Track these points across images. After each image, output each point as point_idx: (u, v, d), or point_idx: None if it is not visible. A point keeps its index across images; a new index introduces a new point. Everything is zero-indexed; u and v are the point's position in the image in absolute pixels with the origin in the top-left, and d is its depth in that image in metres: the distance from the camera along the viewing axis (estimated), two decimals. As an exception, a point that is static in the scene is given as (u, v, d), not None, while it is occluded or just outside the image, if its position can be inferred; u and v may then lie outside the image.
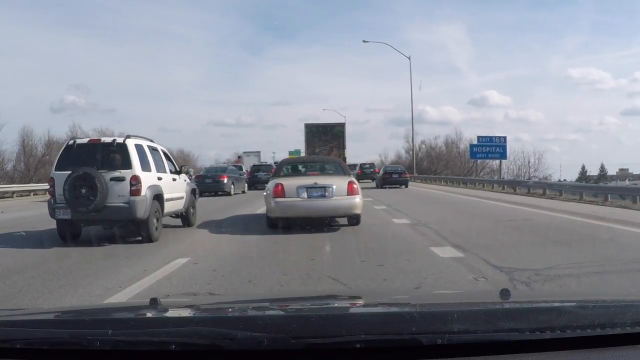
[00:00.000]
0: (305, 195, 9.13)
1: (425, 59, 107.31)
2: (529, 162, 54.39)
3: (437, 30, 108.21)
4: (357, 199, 9.37)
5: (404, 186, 29.20)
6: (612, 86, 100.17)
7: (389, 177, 29.65)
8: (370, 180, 35.50)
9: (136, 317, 1.70)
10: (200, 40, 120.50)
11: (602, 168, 69.03)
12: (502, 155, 36.95)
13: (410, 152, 60.43)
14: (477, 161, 44.22)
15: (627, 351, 1.32)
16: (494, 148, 35.85)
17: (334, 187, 9.22)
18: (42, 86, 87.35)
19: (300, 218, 9.50)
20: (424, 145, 64.45)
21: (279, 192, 9.21)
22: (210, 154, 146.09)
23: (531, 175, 50.09)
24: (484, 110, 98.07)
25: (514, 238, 8.31)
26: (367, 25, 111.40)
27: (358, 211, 9.49)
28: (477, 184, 30.48)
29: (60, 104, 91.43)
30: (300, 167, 11.71)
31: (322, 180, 9.52)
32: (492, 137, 36.91)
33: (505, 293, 1.82)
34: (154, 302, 1.79)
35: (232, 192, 22.95)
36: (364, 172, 38.77)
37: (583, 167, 66.87)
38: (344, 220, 9.96)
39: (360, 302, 2.19)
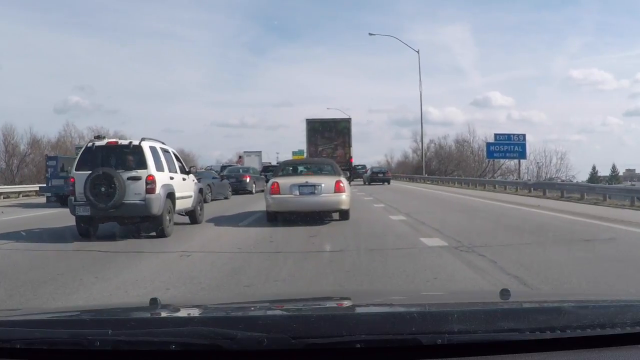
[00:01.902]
0: (297, 192, 10.34)
1: (429, 59, 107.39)
2: (547, 162, 51.06)
3: (441, 31, 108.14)
4: (344, 196, 10.51)
5: (386, 183, 35.78)
6: (615, 87, 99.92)
7: (375, 176, 37.22)
8: (360, 179, 39.50)
9: (136, 317, 1.70)
10: (205, 41, 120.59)
11: (614, 168, 65.08)
12: (522, 154, 34.46)
13: (418, 152, 58.93)
14: (493, 161, 41.36)
15: (627, 351, 1.32)
16: (512, 147, 33.38)
17: (323, 185, 10.42)
18: (46, 87, 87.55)
19: (293, 212, 10.63)
20: (432, 145, 61.43)
21: (275, 189, 10.51)
22: (215, 154, 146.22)
23: (553, 176, 47.13)
24: (487, 111, 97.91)
25: (627, 276, 5.31)
26: (372, 26, 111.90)
27: (344, 207, 10.65)
28: (497, 185, 27.96)
29: (64, 104, 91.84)
30: (297, 168, 12.96)
31: (312, 179, 10.73)
32: (510, 134, 34.55)
33: (505, 293, 1.82)
34: (154, 302, 1.79)
35: (254, 191, 24.44)
36: (357, 171, 42.57)
37: (594, 168, 62.10)
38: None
39: (361, 302, 2.19)
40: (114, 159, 8.78)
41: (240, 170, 27.11)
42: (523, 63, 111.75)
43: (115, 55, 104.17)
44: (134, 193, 8.49)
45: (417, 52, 43.44)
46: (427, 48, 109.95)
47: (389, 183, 35.97)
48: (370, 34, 44.83)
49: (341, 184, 10.54)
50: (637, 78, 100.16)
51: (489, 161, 46.38)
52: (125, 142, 9.16)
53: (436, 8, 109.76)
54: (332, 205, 10.61)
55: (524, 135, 34.43)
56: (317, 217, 10.85)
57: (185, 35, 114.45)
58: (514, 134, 34.39)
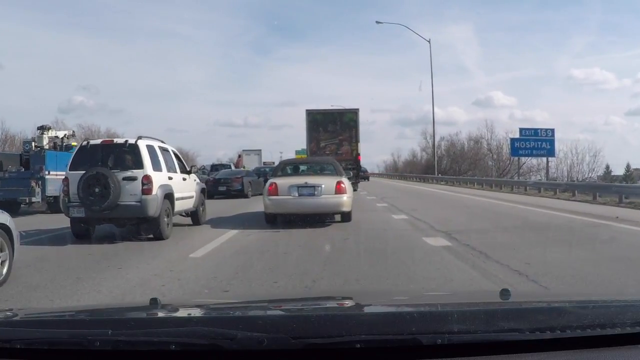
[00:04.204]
0: (296, 193, 9.97)
1: (432, 58, 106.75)
2: (579, 160, 45.57)
3: (445, 30, 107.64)
4: (345, 198, 10.14)
5: (366, 180, 41.20)
6: (617, 86, 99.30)
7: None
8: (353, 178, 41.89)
9: (136, 317, 1.70)
10: (209, 41, 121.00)
11: (628, 168, 63.96)
12: (550, 151, 30.76)
13: (427, 150, 57.44)
14: (519, 159, 36.51)
15: (627, 351, 1.32)
16: (539, 143, 29.84)
17: (323, 186, 10.01)
18: (50, 87, 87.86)
19: (292, 214, 10.24)
20: (443, 142, 57.55)
21: (273, 190, 10.15)
22: (218, 153, 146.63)
23: (585, 177, 42.38)
24: (489, 111, 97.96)
25: None
26: (375, 26, 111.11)
27: (345, 209, 10.25)
28: (528, 188, 24.57)
29: (69, 104, 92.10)
30: (296, 167, 12.52)
31: (312, 180, 10.29)
32: (538, 129, 31.03)
33: (505, 293, 1.82)
34: (154, 302, 1.78)
35: None
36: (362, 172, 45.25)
37: (607, 167, 57.46)
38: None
39: (360, 302, 2.19)
40: (109, 158, 8.53)
41: (267, 170, 29.77)
42: (526, 62, 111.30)
43: (119, 55, 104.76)
44: (130, 194, 8.24)
45: (428, 41, 41.51)
46: (431, 47, 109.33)
47: (368, 180, 44.45)
48: (377, 22, 42.93)
49: (342, 185, 10.17)
50: (638, 78, 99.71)
51: (510, 159, 42.69)
52: (121, 140, 8.91)
53: (440, 8, 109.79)
54: (333, 207, 10.23)
55: (552, 130, 30.91)
56: (318, 219, 10.49)
57: (189, 35, 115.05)
58: (541, 129, 30.97)
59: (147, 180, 8.33)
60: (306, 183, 10.11)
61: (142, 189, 8.28)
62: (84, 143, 9.12)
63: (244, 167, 35.47)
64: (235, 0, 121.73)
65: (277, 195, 10.09)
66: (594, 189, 18.82)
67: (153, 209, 8.31)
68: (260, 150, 50.26)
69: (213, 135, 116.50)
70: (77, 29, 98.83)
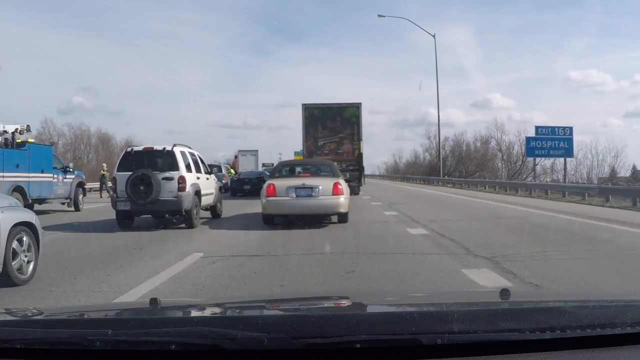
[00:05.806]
0: (294, 194, 10.15)
1: (432, 60, 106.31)
2: (599, 161, 43.34)
3: (443, 31, 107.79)
4: (342, 199, 10.32)
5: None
6: (615, 88, 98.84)
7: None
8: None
9: (136, 317, 1.70)
10: (209, 43, 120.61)
11: (634, 169, 63.16)
12: (568, 151, 28.65)
13: (430, 151, 55.73)
14: (534, 160, 33.52)
15: (627, 351, 1.32)
16: (556, 142, 27.84)
17: (320, 187, 10.17)
18: (49, 88, 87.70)
19: (290, 215, 10.45)
20: (447, 142, 54.62)
21: (271, 191, 10.33)
22: (218, 155, 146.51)
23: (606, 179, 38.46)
24: (487, 113, 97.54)
25: None
26: (375, 26, 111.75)
27: (342, 210, 10.44)
28: (549, 191, 21.73)
29: (68, 106, 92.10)
30: (294, 169, 12.66)
31: (310, 181, 10.48)
32: (555, 127, 28.76)
33: (505, 293, 1.82)
34: (154, 302, 1.78)
35: None
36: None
37: (613, 169, 57.91)
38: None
39: (360, 302, 2.19)
40: (149, 161, 10.34)
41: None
42: (525, 64, 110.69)
43: (119, 57, 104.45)
44: (168, 191, 10.03)
45: (433, 36, 39.67)
46: (430, 48, 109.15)
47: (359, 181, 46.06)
48: (379, 16, 41.35)
49: (339, 186, 10.29)
50: (635, 79, 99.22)
51: (523, 160, 40.64)
52: (159, 147, 10.70)
53: (439, 9, 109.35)
54: (330, 208, 10.35)
55: (570, 129, 28.61)
56: (318, 219, 10.48)
57: (189, 37, 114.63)
58: (558, 127, 28.76)
59: (182, 180, 10.17)
60: (304, 184, 10.26)
61: (178, 187, 10.08)
62: (129, 149, 10.95)
63: (233, 171, 34.98)
64: (235, 1, 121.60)
65: (275, 196, 10.22)
66: (635, 194, 16.36)
67: (187, 203, 10.15)
68: (256, 150, 49.18)
69: (212, 137, 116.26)
70: (77, 30, 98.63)
